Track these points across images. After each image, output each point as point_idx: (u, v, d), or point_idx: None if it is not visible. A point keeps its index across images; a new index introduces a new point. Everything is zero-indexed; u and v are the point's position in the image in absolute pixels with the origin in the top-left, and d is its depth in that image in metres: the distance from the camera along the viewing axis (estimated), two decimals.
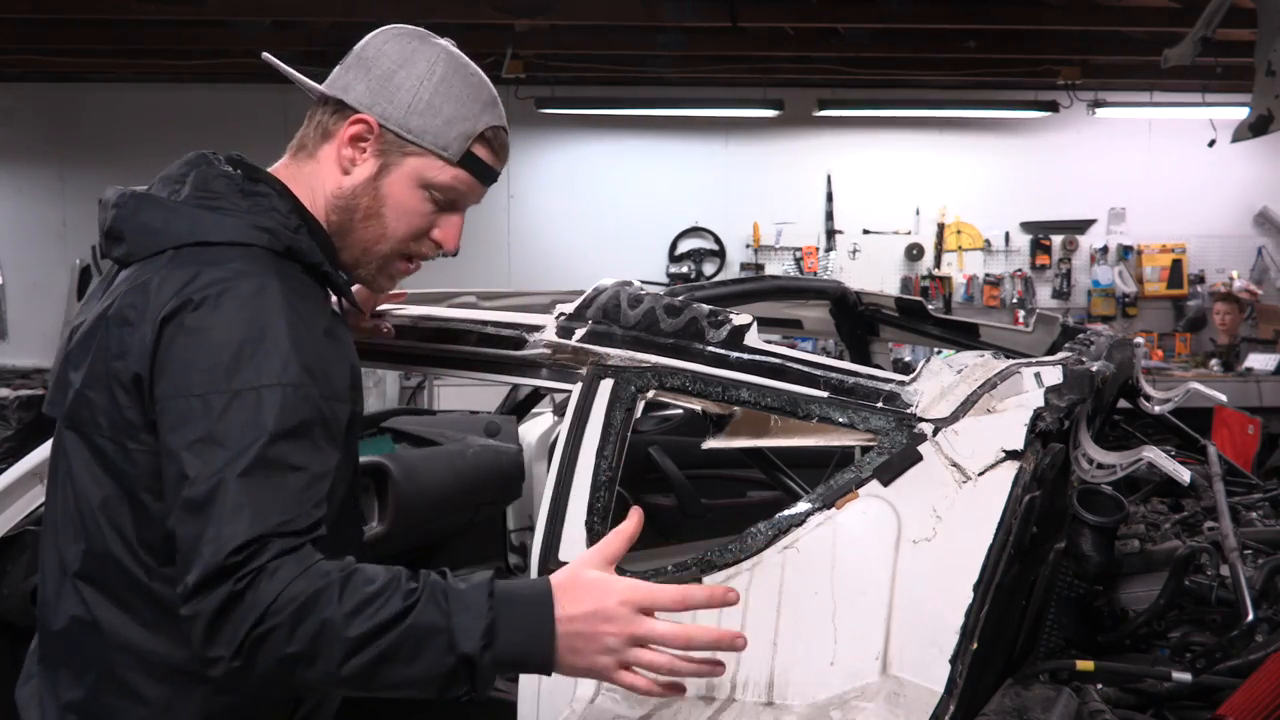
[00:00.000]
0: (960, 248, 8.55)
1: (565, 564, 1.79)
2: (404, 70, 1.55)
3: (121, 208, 1.53)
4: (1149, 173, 8.52)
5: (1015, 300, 8.47)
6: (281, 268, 1.47)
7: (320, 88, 1.60)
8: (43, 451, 2.28)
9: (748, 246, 8.58)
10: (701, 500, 3.59)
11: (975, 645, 1.60)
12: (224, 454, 1.32)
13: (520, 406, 3.77)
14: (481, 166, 1.61)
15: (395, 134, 1.55)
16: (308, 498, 1.35)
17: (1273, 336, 8.16)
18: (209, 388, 1.35)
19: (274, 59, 1.64)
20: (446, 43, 1.61)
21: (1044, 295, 8.54)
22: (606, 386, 1.88)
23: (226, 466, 1.31)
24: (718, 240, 8.60)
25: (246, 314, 1.39)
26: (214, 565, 1.27)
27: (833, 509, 1.72)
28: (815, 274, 8.41)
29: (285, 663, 1.27)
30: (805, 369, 1.83)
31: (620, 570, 1.80)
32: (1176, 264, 8.47)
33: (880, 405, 1.78)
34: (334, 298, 1.63)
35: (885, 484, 1.72)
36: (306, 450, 1.37)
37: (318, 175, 1.58)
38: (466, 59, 1.61)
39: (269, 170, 1.59)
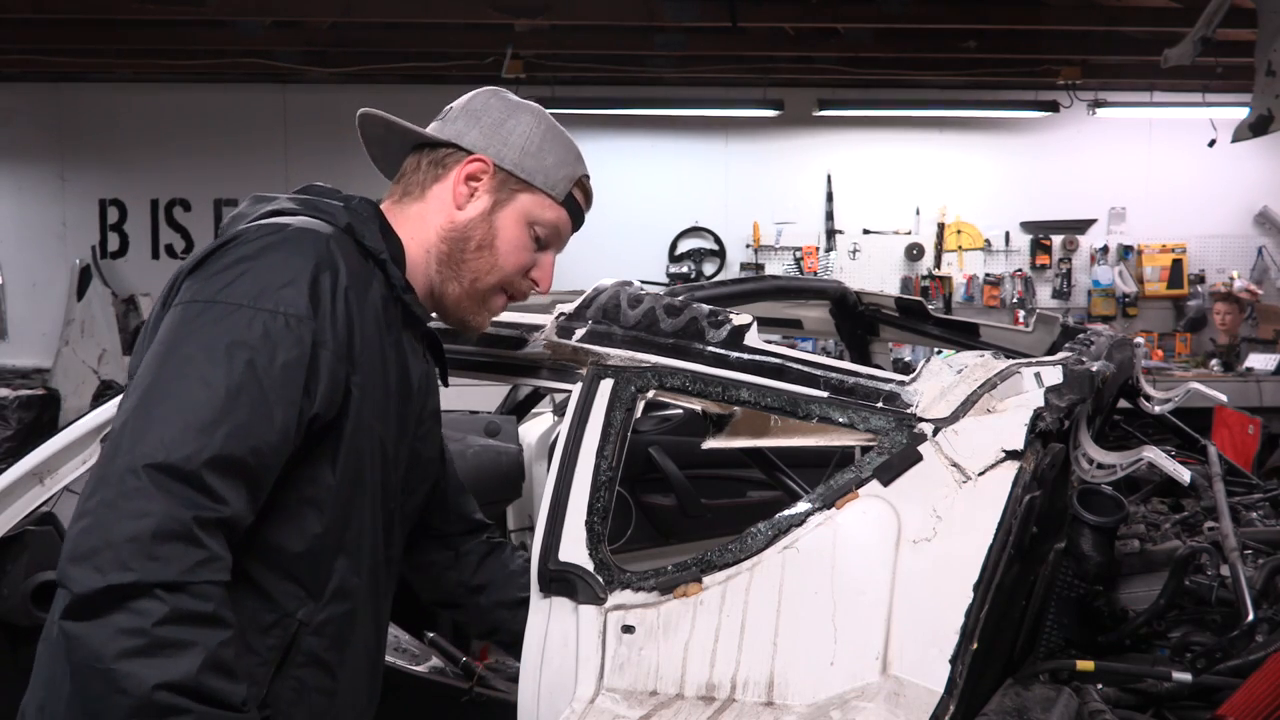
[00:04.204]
0: (960, 248, 8.55)
1: (565, 564, 1.80)
2: (513, 120, 1.70)
3: (239, 206, 1.62)
4: (1149, 173, 8.52)
5: (1015, 300, 8.46)
6: (341, 240, 1.52)
7: (428, 132, 1.69)
8: (43, 451, 2.29)
9: (748, 246, 8.58)
10: (701, 500, 3.59)
11: (975, 645, 1.60)
12: (207, 358, 1.36)
13: (520, 406, 3.77)
14: (577, 209, 1.75)
15: (509, 173, 1.68)
16: (275, 429, 1.38)
17: (1273, 336, 8.16)
18: (212, 298, 1.39)
19: (376, 111, 1.71)
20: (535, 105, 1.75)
21: (1044, 295, 8.54)
22: (606, 386, 1.88)
23: (208, 373, 1.35)
24: (718, 240, 8.60)
25: (281, 251, 1.44)
26: (182, 467, 1.30)
27: (833, 509, 1.72)
28: (815, 274, 8.40)
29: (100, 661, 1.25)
30: (805, 369, 1.83)
31: (621, 570, 1.82)
32: (1177, 264, 8.47)
33: (880, 405, 1.78)
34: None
35: (885, 484, 1.72)
36: (287, 385, 1.39)
37: (426, 212, 1.67)
38: (555, 121, 1.75)
39: None
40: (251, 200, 1.61)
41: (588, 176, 1.77)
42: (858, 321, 3.39)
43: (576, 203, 1.74)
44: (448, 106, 1.74)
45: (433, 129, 1.71)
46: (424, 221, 1.66)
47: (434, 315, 1.72)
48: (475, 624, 2.02)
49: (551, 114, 1.76)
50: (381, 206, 1.68)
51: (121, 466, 1.29)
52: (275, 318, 1.39)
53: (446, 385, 1.86)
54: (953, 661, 1.58)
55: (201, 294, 1.41)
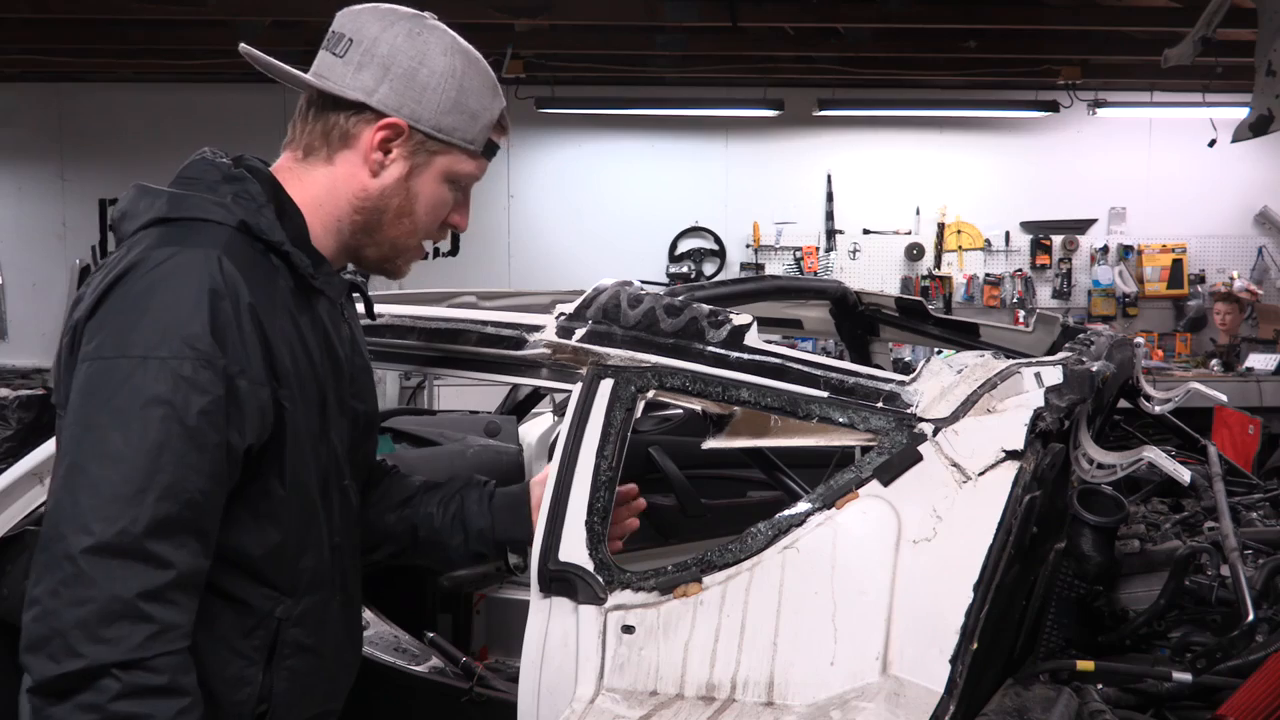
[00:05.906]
0: (960, 248, 8.55)
1: (566, 564, 1.80)
2: (425, 68, 1.54)
3: (122, 199, 1.54)
4: (1149, 173, 8.52)
5: (1015, 300, 8.46)
6: (235, 246, 1.45)
7: (332, 88, 1.54)
8: (43, 451, 2.29)
9: (748, 246, 8.58)
10: (701, 500, 3.59)
11: (975, 645, 1.60)
12: (120, 424, 1.32)
13: (520, 406, 3.77)
14: (495, 149, 1.65)
15: (427, 134, 1.56)
16: (205, 475, 1.36)
17: (1273, 336, 8.16)
18: (118, 351, 1.35)
19: (255, 51, 1.60)
20: (435, 20, 1.60)
21: (1044, 295, 8.54)
22: (606, 386, 1.88)
23: (124, 441, 1.32)
24: (718, 240, 8.60)
25: (174, 285, 1.38)
26: (118, 543, 1.29)
27: (833, 509, 1.72)
28: (815, 274, 8.40)
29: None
30: (805, 369, 1.83)
31: (621, 570, 1.81)
32: (1177, 264, 8.47)
33: (880, 405, 1.78)
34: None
35: (885, 484, 1.72)
36: (210, 430, 1.36)
37: (335, 180, 1.56)
38: (466, 43, 1.61)
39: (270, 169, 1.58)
40: (135, 194, 1.52)
41: (504, 109, 1.64)
42: (858, 321, 3.39)
43: (494, 144, 1.64)
44: (341, 33, 1.55)
45: (326, 69, 1.54)
46: (333, 191, 1.56)
47: (350, 269, 1.68)
48: (371, 535, 1.86)
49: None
50: (280, 163, 1.59)
51: (59, 553, 1.30)
52: (182, 364, 1.35)
53: (374, 319, 1.87)
54: (953, 661, 1.59)
55: (104, 348, 1.36)
